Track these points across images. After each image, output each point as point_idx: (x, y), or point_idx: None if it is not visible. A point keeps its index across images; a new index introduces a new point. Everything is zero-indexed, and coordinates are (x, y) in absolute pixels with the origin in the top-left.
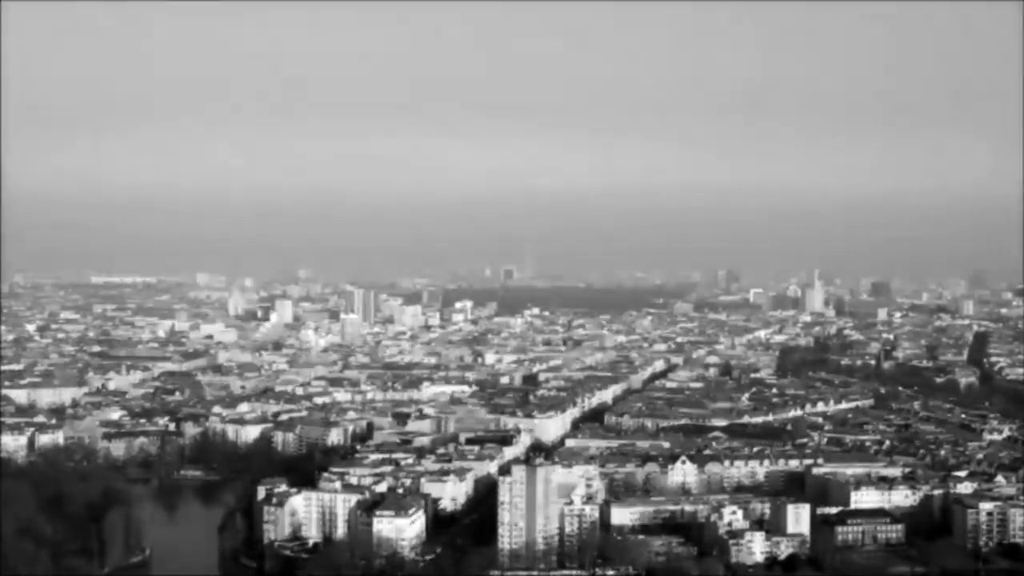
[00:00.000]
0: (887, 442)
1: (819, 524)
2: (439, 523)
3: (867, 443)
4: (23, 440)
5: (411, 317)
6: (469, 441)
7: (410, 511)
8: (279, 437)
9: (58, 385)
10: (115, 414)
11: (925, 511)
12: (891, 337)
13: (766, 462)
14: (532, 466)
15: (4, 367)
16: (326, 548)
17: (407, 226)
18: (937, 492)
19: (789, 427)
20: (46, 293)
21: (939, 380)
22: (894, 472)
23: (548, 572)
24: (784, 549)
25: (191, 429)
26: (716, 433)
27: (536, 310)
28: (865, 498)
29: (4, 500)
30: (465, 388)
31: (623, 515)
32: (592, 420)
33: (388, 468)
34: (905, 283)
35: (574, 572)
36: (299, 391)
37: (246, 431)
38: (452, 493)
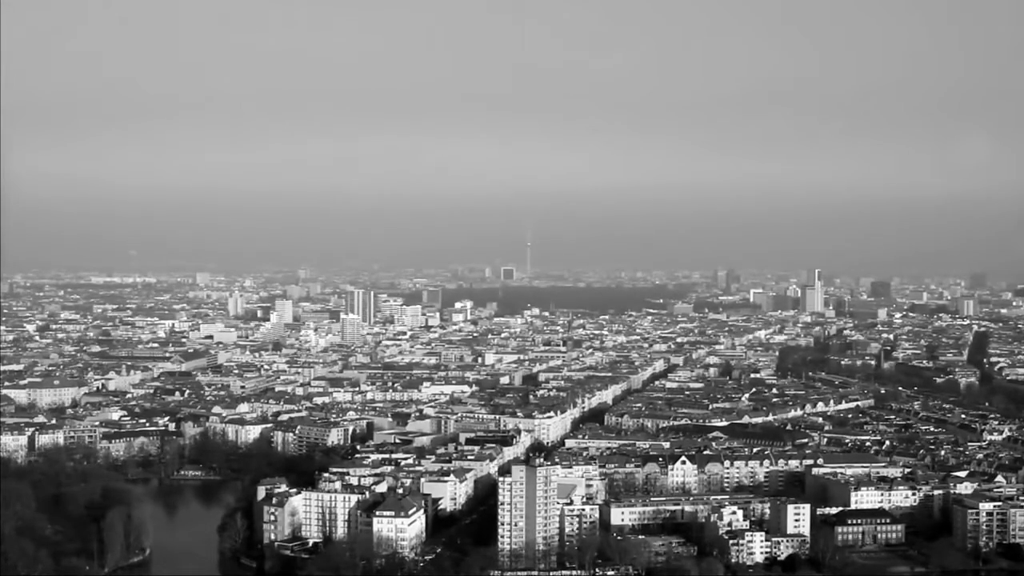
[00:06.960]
0: (887, 442)
1: (819, 524)
2: (439, 523)
3: (867, 443)
4: (23, 440)
5: (411, 317)
6: (469, 441)
7: (410, 511)
8: (279, 437)
9: (58, 385)
10: (115, 414)
11: (925, 511)
12: (891, 337)
13: (766, 462)
14: (532, 466)
15: (4, 367)
16: (326, 548)
17: (407, 226)
18: (937, 492)
19: (789, 427)
20: (46, 293)
21: (939, 380)
22: (894, 472)
23: (548, 572)
24: (784, 549)
25: (191, 429)
26: (716, 433)
27: (536, 310)
28: (865, 498)
29: (4, 500)
30: (465, 388)
31: (623, 515)
32: (592, 420)
33: (388, 468)
34: (905, 283)
35: (574, 572)
36: (299, 391)
37: (246, 431)
38: (452, 493)
